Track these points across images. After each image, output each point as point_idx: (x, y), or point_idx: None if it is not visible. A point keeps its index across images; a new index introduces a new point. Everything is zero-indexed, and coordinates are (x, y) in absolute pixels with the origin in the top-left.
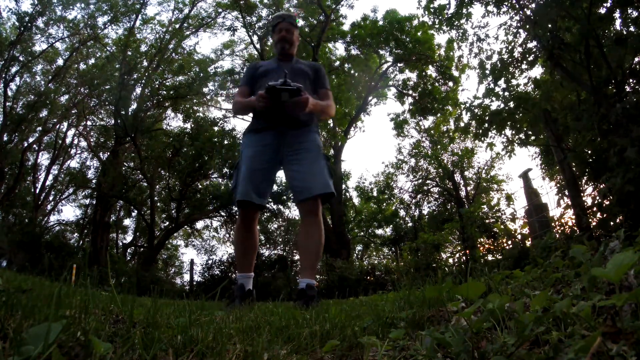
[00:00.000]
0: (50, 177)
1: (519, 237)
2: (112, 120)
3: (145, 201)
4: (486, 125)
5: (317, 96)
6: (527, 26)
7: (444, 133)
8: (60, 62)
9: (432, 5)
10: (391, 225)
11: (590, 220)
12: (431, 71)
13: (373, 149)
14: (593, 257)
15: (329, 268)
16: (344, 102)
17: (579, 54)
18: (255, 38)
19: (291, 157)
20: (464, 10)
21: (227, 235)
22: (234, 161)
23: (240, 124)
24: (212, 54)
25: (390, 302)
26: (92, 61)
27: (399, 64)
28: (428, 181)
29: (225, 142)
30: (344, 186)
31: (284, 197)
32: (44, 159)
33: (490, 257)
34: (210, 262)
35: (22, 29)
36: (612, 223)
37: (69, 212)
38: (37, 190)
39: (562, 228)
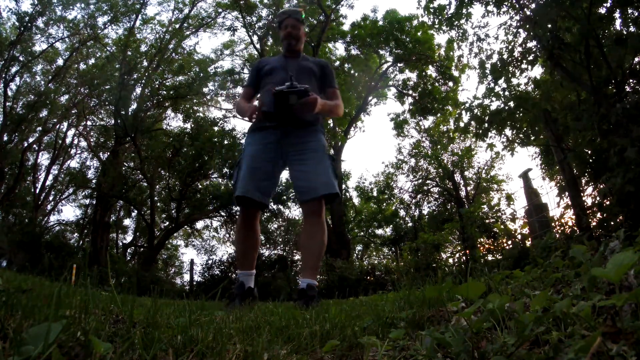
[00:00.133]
0: (50, 177)
1: (519, 237)
2: (112, 120)
3: (145, 201)
4: (486, 125)
5: (324, 95)
6: (527, 26)
7: (444, 133)
8: (60, 62)
9: (431, 5)
10: (391, 225)
11: (590, 220)
12: (431, 71)
13: (373, 149)
14: (593, 257)
15: (329, 268)
16: (344, 102)
17: (579, 54)
18: (255, 38)
19: (296, 156)
20: (464, 11)
21: (227, 235)
22: (234, 161)
23: (240, 124)
24: (212, 54)
25: (390, 302)
26: (92, 61)
27: (399, 64)
28: (428, 181)
29: (225, 142)
30: (344, 186)
31: (284, 197)
32: (44, 159)
33: (490, 257)
34: (210, 262)
35: (22, 29)
36: (612, 223)
37: (69, 212)
38: (37, 190)
39: (562, 228)
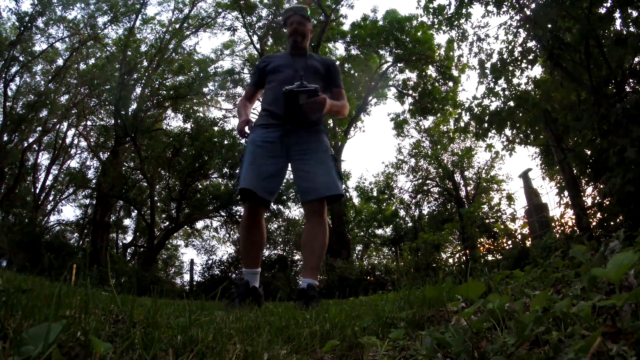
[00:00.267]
0: (50, 177)
1: (519, 237)
2: (112, 120)
3: (145, 201)
4: (486, 125)
5: (330, 94)
6: (527, 26)
7: (444, 133)
8: (60, 62)
9: (431, 6)
10: (391, 225)
11: (590, 220)
12: (431, 71)
13: (373, 149)
14: (593, 257)
15: (329, 268)
16: None
17: (579, 54)
18: (255, 38)
19: (298, 156)
20: (464, 11)
21: (227, 235)
22: (234, 161)
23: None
24: (212, 54)
25: (390, 302)
26: (92, 61)
27: (399, 64)
28: (428, 181)
29: (225, 142)
30: (344, 186)
31: (284, 197)
32: (44, 159)
33: (490, 257)
34: (210, 262)
35: (22, 29)
36: (612, 223)
37: (69, 212)
38: (37, 190)
39: (562, 228)
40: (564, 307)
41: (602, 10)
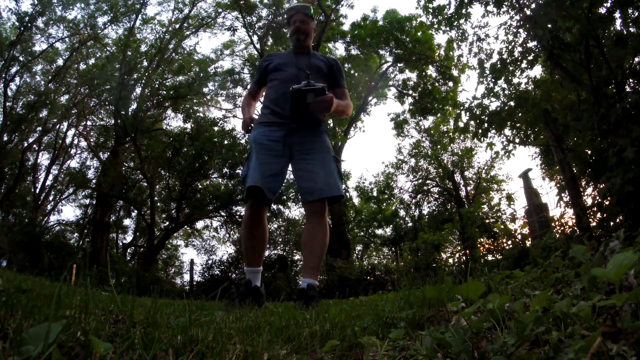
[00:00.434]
0: (50, 177)
1: (519, 237)
2: (112, 120)
3: (145, 201)
4: (485, 125)
5: (333, 94)
6: (527, 26)
7: (444, 133)
8: (60, 62)
9: (431, 6)
10: (391, 225)
11: (590, 220)
12: (431, 71)
13: (373, 149)
14: (593, 257)
15: (329, 268)
16: None
17: (579, 54)
18: (255, 38)
19: (300, 156)
20: (464, 11)
21: (227, 235)
22: (234, 161)
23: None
24: (212, 54)
25: (390, 302)
26: (92, 61)
27: (399, 64)
28: (428, 181)
29: (225, 142)
30: (344, 186)
31: (284, 197)
32: (44, 159)
33: (490, 257)
34: (210, 262)
35: (22, 29)
36: (612, 223)
37: (69, 212)
38: (37, 190)
39: (562, 228)
40: (564, 307)
41: (602, 10)
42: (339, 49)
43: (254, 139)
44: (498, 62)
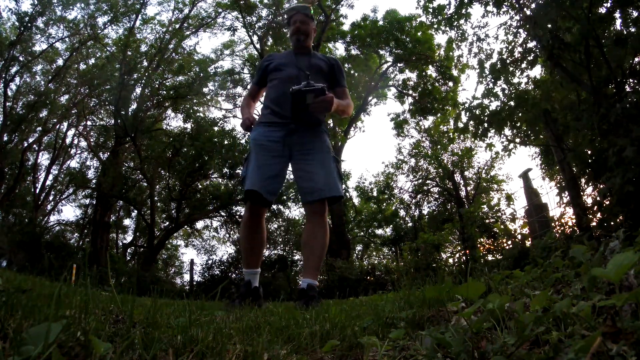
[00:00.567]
0: (50, 177)
1: (519, 237)
2: (112, 120)
3: (145, 201)
4: (485, 125)
5: (333, 93)
6: (527, 26)
7: (444, 133)
8: (60, 62)
9: (431, 6)
10: (391, 225)
11: (590, 220)
12: (431, 71)
13: (373, 149)
14: (593, 257)
15: (329, 268)
16: None
17: (579, 54)
18: (255, 38)
19: (300, 156)
20: (464, 11)
21: (227, 235)
22: (234, 161)
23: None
24: (212, 54)
25: (390, 302)
26: (92, 61)
27: (399, 64)
28: (428, 181)
29: (225, 142)
30: (344, 186)
31: (284, 197)
32: (44, 159)
33: (490, 257)
34: (210, 262)
35: (22, 29)
36: (612, 223)
37: (69, 212)
38: (37, 190)
39: (562, 228)
40: (564, 307)
41: (602, 10)
42: (339, 49)
43: (253, 139)
44: (498, 62)
